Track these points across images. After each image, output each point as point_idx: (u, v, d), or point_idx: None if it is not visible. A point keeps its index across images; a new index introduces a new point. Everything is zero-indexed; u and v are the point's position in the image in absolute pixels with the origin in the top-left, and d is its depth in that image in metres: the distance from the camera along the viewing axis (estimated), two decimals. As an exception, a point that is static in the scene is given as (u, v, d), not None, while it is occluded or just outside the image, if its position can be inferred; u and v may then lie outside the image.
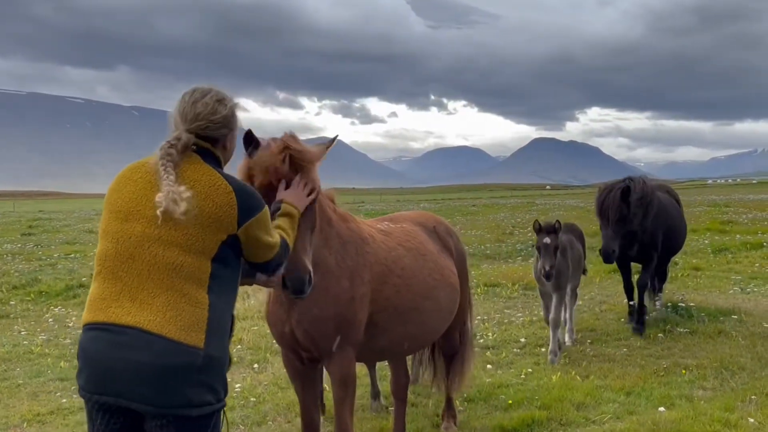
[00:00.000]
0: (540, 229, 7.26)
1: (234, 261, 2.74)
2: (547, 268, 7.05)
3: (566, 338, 8.22)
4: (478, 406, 6.19)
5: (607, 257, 8.18)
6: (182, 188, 2.57)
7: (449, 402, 5.64)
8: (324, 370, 4.98)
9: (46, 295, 12.67)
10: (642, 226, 8.39)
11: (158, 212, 2.53)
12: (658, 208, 8.70)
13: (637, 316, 8.68)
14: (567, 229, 7.69)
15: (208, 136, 2.80)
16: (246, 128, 3.26)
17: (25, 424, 5.93)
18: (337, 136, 3.86)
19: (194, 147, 2.76)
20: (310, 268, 3.39)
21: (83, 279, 13.61)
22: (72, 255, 19.15)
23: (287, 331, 4.02)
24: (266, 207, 2.84)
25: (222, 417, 2.70)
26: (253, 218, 2.70)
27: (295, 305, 3.89)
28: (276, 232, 2.96)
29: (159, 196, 2.55)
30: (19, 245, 22.70)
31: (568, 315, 8.40)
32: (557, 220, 7.39)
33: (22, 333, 9.62)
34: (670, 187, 10.45)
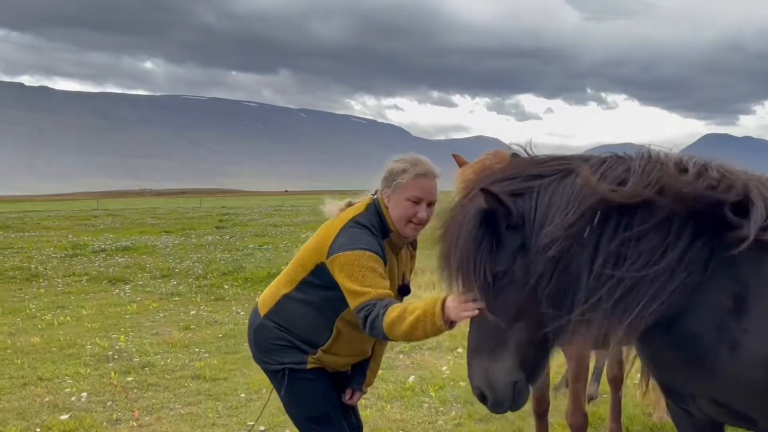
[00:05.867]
0: None
1: (326, 281, 3.18)
2: None
3: None
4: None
5: None
6: (329, 205, 3.46)
7: None
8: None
9: (251, 280, 14.00)
10: None
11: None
12: None
13: None
14: None
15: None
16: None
17: (263, 390, 6.66)
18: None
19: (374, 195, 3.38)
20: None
21: (281, 268, 14.82)
22: (265, 246, 20.88)
23: None
24: (355, 253, 3.04)
25: (284, 377, 3.33)
26: (333, 255, 3.11)
27: None
28: (372, 287, 2.97)
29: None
30: (217, 237, 25.05)
31: None
32: None
33: (241, 313, 10.71)
34: None
